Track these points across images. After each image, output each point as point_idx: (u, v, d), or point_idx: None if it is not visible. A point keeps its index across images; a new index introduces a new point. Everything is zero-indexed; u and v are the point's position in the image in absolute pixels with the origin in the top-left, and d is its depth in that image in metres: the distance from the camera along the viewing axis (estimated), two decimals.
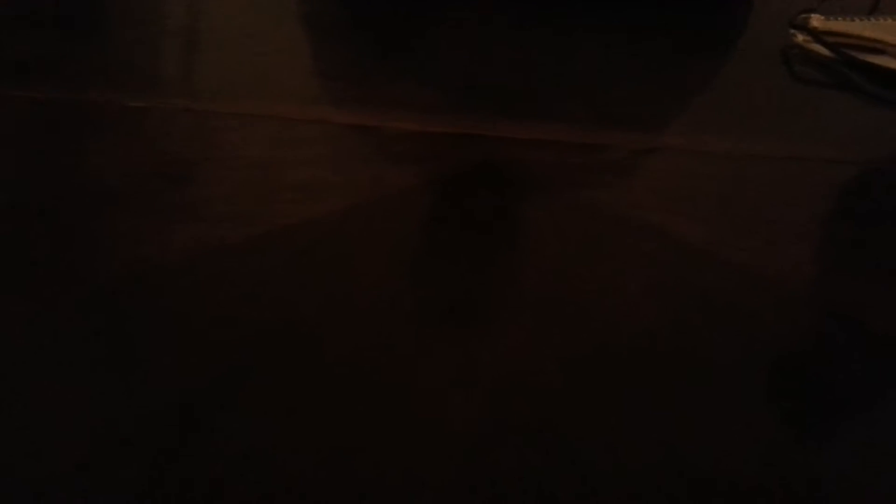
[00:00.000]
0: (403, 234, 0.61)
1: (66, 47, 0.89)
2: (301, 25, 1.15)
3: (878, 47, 1.09)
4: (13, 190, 0.63)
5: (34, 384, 0.43)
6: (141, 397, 0.43)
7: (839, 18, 1.14)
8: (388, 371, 0.46)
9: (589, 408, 0.45)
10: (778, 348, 0.52)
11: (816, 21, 1.13)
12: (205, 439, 0.40)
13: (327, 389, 0.44)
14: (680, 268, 0.60)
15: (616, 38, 1.17)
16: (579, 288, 0.56)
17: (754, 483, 0.40)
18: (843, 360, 0.51)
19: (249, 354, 0.46)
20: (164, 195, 0.63)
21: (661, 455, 0.42)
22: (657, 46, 1.16)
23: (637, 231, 0.64)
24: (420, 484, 0.39)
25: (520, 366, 0.48)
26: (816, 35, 1.11)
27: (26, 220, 0.58)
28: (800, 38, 1.13)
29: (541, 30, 1.18)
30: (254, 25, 1.05)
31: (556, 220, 0.65)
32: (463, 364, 0.47)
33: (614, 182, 0.74)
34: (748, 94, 1.00)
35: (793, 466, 0.42)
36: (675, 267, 0.60)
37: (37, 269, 0.52)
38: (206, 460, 0.39)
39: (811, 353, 0.53)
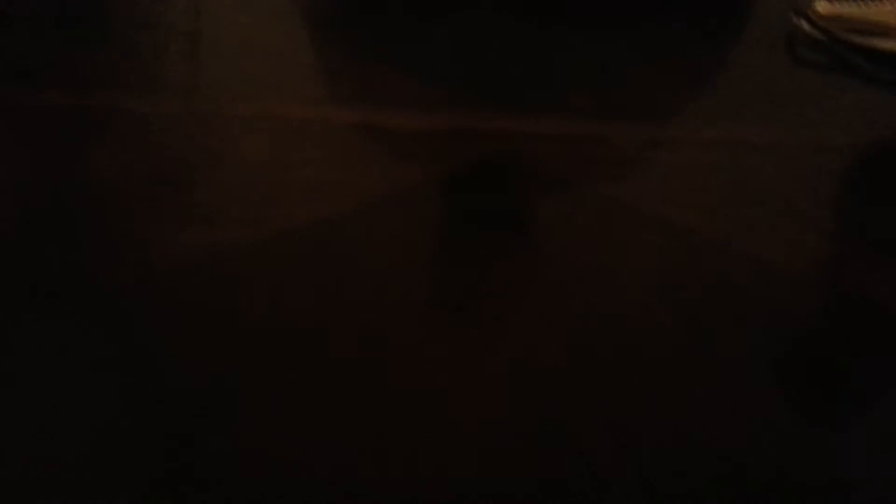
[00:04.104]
0: (410, 233, 0.61)
1: (68, 51, 0.89)
2: (301, 23, 1.14)
3: (883, 31, 1.08)
4: (21, 196, 0.63)
5: (41, 384, 0.43)
6: (148, 399, 0.43)
7: (843, 3, 1.13)
8: (396, 369, 0.46)
9: (596, 398, 0.45)
10: (790, 335, 0.52)
11: (821, 6, 1.12)
12: (210, 440, 0.40)
13: (333, 388, 0.44)
14: (685, 256, 0.59)
15: (619, 30, 1.16)
16: (585, 278, 0.56)
17: (774, 477, 0.40)
18: (859, 343, 0.51)
19: (256, 354, 0.47)
20: (169, 199, 0.63)
21: (673, 446, 0.41)
22: (661, 36, 1.15)
23: (642, 222, 0.64)
24: (431, 483, 0.39)
25: (527, 361, 0.48)
26: (821, 20, 1.10)
27: (35, 226, 0.58)
28: (805, 24, 1.12)
29: (542, 23, 1.17)
30: (254, 25, 1.04)
31: (561, 213, 0.65)
32: (471, 362, 0.47)
33: (619, 174, 0.74)
34: (753, 82, 0.99)
35: (811, 458, 0.42)
36: (681, 256, 0.60)
37: (46, 274, 0.53)
38: (211, 462, 0.39)
39: (824, 338, 0.52)
